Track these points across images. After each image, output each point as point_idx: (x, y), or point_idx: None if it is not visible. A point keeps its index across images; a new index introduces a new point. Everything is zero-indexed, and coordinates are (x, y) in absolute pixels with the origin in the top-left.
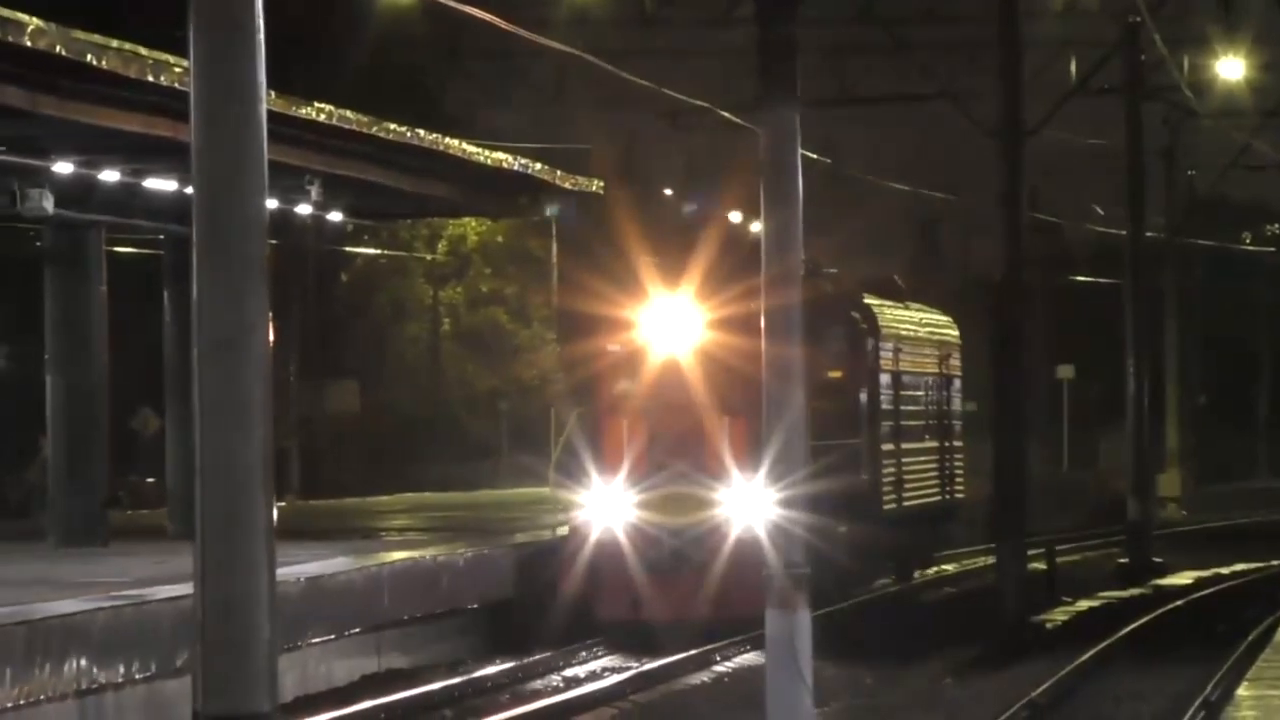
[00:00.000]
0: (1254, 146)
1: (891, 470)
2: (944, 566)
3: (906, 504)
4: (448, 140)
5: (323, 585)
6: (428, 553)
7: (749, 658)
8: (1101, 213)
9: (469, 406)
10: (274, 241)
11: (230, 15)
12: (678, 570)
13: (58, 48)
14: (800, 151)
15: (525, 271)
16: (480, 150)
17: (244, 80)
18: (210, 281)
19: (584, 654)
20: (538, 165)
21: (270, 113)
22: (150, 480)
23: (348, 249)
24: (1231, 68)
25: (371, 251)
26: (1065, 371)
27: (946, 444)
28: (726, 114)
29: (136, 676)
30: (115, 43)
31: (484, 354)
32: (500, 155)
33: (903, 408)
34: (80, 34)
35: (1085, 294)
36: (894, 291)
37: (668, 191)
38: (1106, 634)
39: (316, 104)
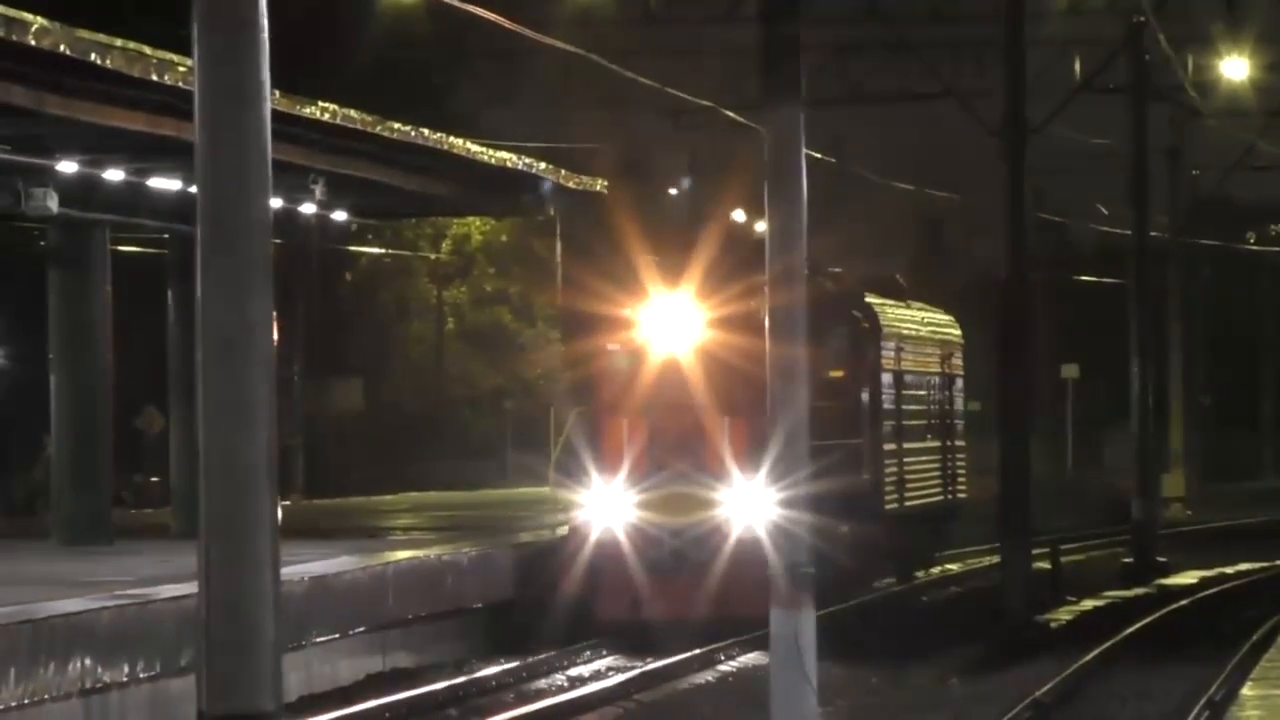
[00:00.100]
0: (1258, 146)
1: (893, 470)
2: (948, 566)
3: (908, 504)
4: (452, 140)
5: (327, 584)
6: (432, 552)
7: (752, 657)
8: (1106, 212)
9: (473, 406)
10: (278, 241)
11: (235, 15)
12: (678, 570)
13: (62, 47)
14: (804, 151)
15: (529, 271)
16: (484, 150)
17: (249, 79)
18: (215, 280)
19: (588, 653)
20: (542, 165)
21: (275, 112)
22: (154, 479)
23: (352, 248)
24: (1236, 68)
25: (376, 251)
26: (1070, 371)
27: (949, 444)
28: (730, 113)
29: (141, 676)
30: (120, 42)
31: (488, 353)
32: (504, 154)
33: (905, 407)
34: (85, 33)
35: (1089, 293)
36: (896, 290)
37: (672, 191)
38: (1111, 633)
39: (321, 103)
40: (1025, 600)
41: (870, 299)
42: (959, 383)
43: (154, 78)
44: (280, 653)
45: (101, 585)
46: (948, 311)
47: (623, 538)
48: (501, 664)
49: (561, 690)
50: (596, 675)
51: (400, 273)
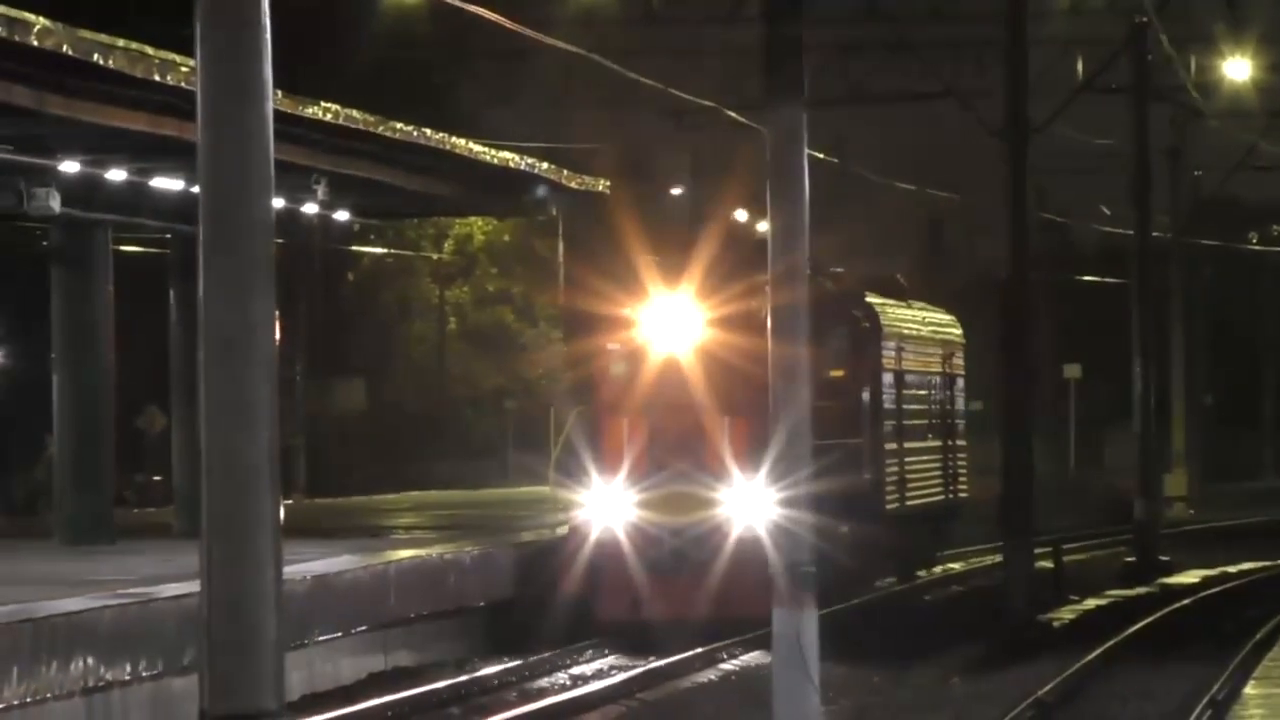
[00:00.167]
0: (1260, 146)
1: (894, 470)
2: (951, 565)
3: (909, 504)
4: (454, 140)
5: (329, 583)
6: (434, 551)
7: (754, 656)
8: (1108, 212)
9: (475, 405)
10: (280, 240)
11: (237, 15)
12: (678, 570)
13: (64, 47)
14: (807, 151)
15: (531, 271)
16: (487, 150)
17: (251, 79)
18: (217, 280)
19: (590, 652)
20: (544, 165)
21: (277, 112)
22: (156, 479)
23: (354, 248)
24: (1238, 68)
25: (378, 251)
26: (1072, 371)
27: (950, 443)
28: (732, 113)
29: (143, 675)
30: (122, 42)
31: (490, 353)
32: (507, 155)
33: (905, 407)
34: (87, 33)
35: (1092, 293)
36: (896, 290)
37: (674, 191)
38: (1113, 633)
39: (323, 103)
40: (1027, 599)
41: (871, 298)
42: (960, 382)
43: (156, 78)
44: (282, 652)
45: (103, 584)
46: (949, 311)
47: (623, 537)
48: (504, 663)
49: (564, 689)
50: (599, 674)
51: (402, 272)
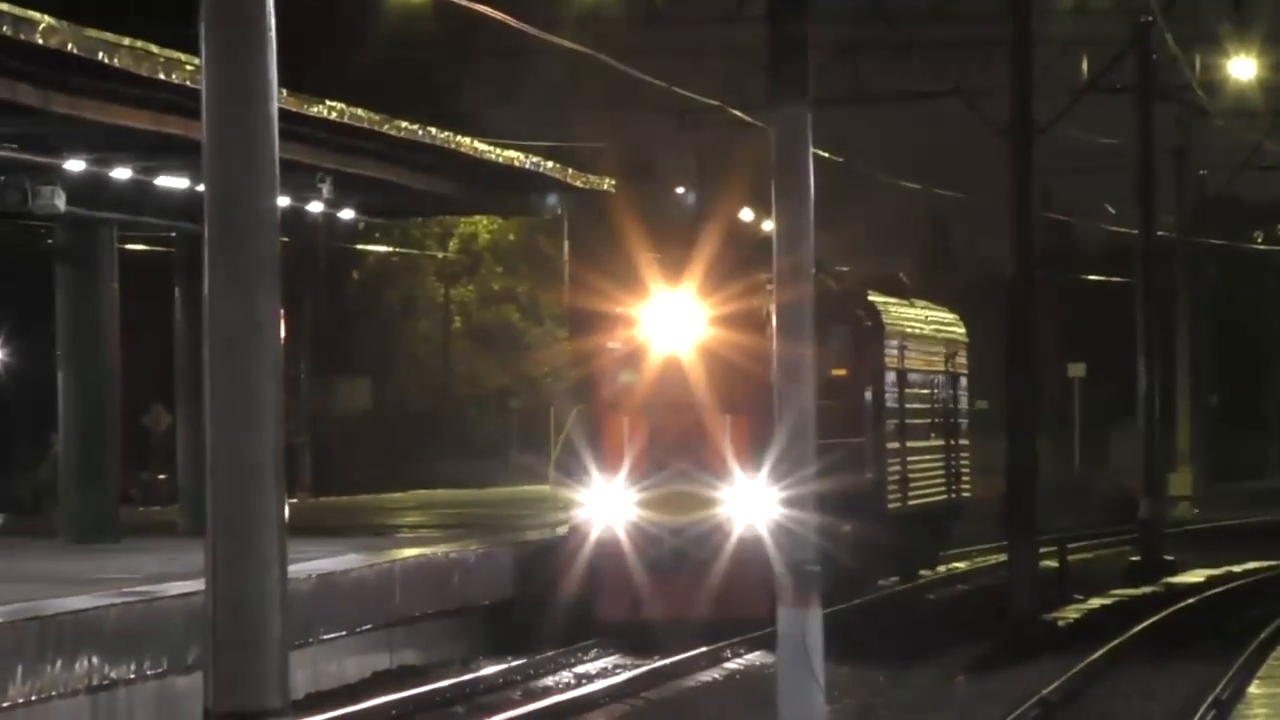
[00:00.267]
0: (1265, 146)
1: (896, 469)
2: (955, 564)
3: (911, 503)
4: (459, 138)
5: (334, 582)
6: (439, 549)
7: (758, 655)
8: (1113, 211)
9: (479, 404)
10: (285, 239)
11: (242, 13)
12: (678, 569)
13: (69, 46)
14: (811, 150)
15: (536, 269)
16: (492, 149)
17: (256, 78)
18: (222, 279)
19: (594, 651)
20: (549, 164)
21: (282, 111)
22: (161, 477)
23: (359, 247)
24: (1243, 67)
25: (383, 249)
26: (1076, 370)
27: (953, 442)
28: (737, 112)
29: (148, 673)
30: (127, 40)
31: (494, 352)
32: (512, 154)
33: (908, 406)
34: (92, 32)
35: (1096, 293)
36: (899, 289)
37: (679, 190)
38: (1118, 632)
39: (328, 102)
40: (1032, 599)
41: (873, 297)
42: (963, 381)
43: (161, 76)
44: (287, 650)
45: (109, 583)
46: (952, 310)
47: (623, 536)
48: (508, 662)
49: (568, 688)
50: (603, 673)
51: (407, 271)
